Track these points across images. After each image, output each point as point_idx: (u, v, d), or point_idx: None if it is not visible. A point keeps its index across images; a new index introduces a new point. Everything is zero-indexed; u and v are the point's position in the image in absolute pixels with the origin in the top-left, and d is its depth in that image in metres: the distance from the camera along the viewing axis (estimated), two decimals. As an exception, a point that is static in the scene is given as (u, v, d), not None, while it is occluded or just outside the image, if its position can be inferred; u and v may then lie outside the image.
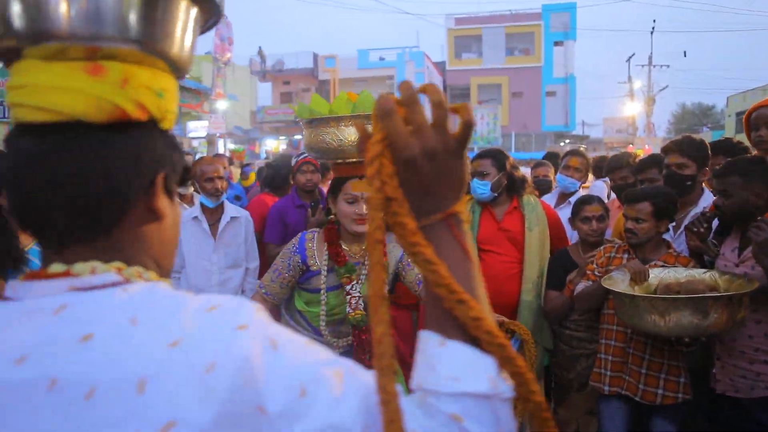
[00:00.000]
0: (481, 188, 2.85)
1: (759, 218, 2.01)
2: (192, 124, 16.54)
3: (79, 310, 0.58)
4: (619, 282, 2.27)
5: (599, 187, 4.84)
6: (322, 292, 2.20)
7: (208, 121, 16.21)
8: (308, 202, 3.60)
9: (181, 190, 3.94)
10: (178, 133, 15.93)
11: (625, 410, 2.42)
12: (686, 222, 2.74)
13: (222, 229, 3.24)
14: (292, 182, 3.86)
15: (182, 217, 3.33)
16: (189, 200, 4.05)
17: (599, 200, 2.92)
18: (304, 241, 2.25)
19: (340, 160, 2.15)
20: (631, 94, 29.59)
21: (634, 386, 2.34)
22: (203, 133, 16.80)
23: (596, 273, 2.52)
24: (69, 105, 0.59)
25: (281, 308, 2.36)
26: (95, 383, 0.53)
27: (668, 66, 29.71)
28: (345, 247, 2.22)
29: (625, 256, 2.52)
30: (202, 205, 3.27)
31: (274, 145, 28.84)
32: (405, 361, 3.14)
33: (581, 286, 2.55)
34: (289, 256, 2.22)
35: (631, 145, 20.77)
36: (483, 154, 2.99)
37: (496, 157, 2.91)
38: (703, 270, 2.28)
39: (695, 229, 2.33)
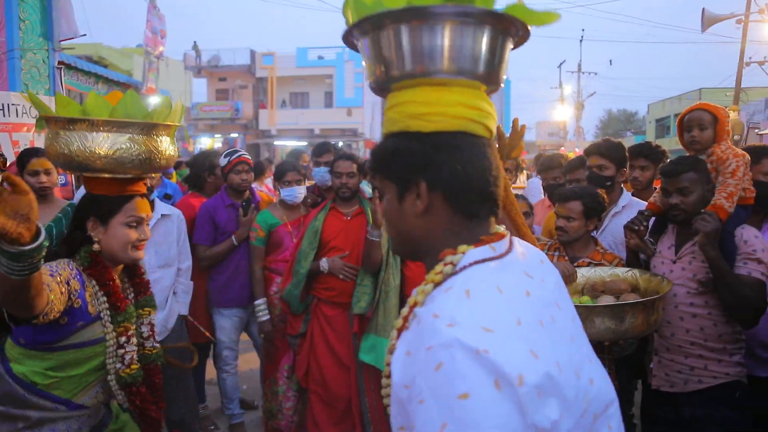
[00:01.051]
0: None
1: (702, 211, 2.11)
2: (120, 120, 15.77)
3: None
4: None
5: (535, 184, 5.01)
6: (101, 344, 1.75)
7: (138, 117, 15.47)
8: (239, 201, 3.50)
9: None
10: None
11: None
12: (607, 220, 2.88)
13: (152, 228, 3.09)
14: (210, 180, 3.74)
15: None
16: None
17: (522, 198, 3.04)
18: (81, 277, 1.73)
19: (90, 174, 1.72)
20: (562, 98, 30.87)
21: None
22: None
23: None
24: (459, 116, 0.92)
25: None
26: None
27: (596, 73, 31.23)
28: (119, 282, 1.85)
29: (556, 254, 2.61)
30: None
31: (208, 143, 28.02)
32: (342, 362, 3.13)
33: None
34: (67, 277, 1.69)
35: (562, 148, 21.66)
36: (348, 156, 3.21)
37: (355, 160, 3.19)
38: (626, 269, 2.37)
39: (636, 228, 2.39)
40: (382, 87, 1.00)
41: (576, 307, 2.00)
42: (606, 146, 2.91)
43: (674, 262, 2.27)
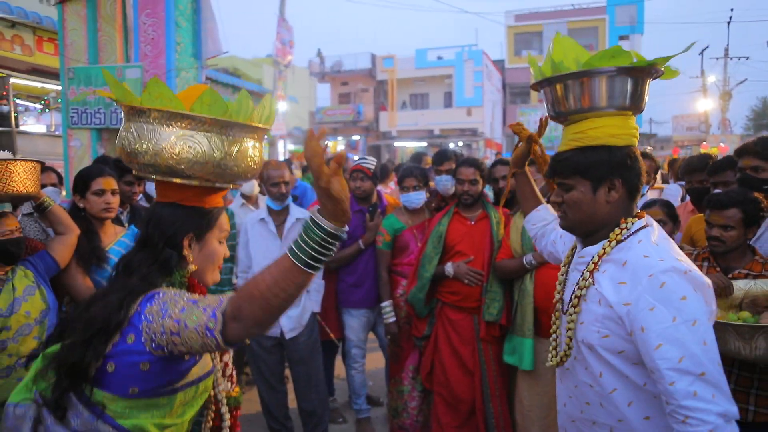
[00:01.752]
0: (416, 198, 3.24)
1: None
2: (254, 126, 17.06)
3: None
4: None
5: (674, 191, 4.64)
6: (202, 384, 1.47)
7: (270, 123, 16.65)
8: (366, 207, 3.65)
9: (246, 191, 4.09)
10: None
11: None
12: (764, 227, 2.60)
13: (288, 230, 3.35)
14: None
15: (249, 218, 3.47)
16: (254, 201, 4.19)
17: (663, 204, 2.82)
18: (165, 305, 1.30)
19: (187, 181, 1.39)
20: (704, 89, 28.03)
21: (743, 409, 2.12)
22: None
23: None
24: (634, 135, 1.54)
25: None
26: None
27: (747, 58, 27.88)
28: None
29: (705, 264, 2.40)
30: (268, 207, 3.39)
31: (331, 146, 29.29)
32: (466, 366, 3.15)
33: None
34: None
35: (704, 143, 19.70)
36: (469, 162, 3.28)
37: (478, 166, 3.24)
38: None
39: None
40: (563, 116, 1.61)
41: (736, 326, 1.84)
42: (762, 145, 2.64)
43: None
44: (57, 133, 10.22)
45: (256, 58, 29.84)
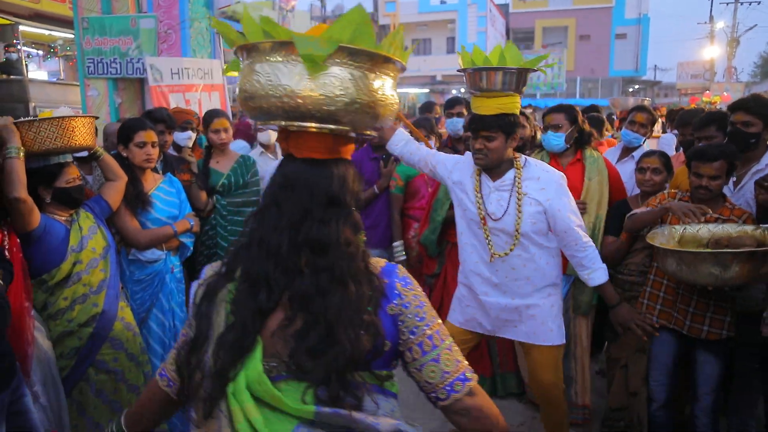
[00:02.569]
0: (556, 140, 3.10)
1: None
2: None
3: None
4: (659, 237, 2.51)
5: (668, 140, 4.86)
6: None
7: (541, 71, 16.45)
8: (381, 154, 3.89)
9: (263, 140, 4.31)
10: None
11: (673, 343, 2.65)
12: (747, 178, 2.85)
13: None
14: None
15: (271, 167, 3.70)
16: (272, 150, 4.42)
17: (660, 155, 3.07)
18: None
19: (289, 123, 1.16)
20: (711, 35, 27.57)
21: (681, 321, 2.57)
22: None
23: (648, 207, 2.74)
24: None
25: None
26: None
27: (759, 2, 27.25)
28: None
29: None
30: (288, 156, 3.64)
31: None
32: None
33: (639, 210, 2.75)
34: None
35: (707, 92, 19.63)
36: (556, 109, 3.19)
37: (569, 111, 3.14)
38: (754, 226, 2.42)
39: (766, 184, 2.43)
40: (484, 91, 2.40)
41: (685, 252, 2.31)
42: (754, 102, 2.81)
43: None
44: (64, 80, 10.27)
45: (255, 0, 29.14)
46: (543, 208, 2.44)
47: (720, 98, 15.25)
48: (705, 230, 2.50)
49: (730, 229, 2.46)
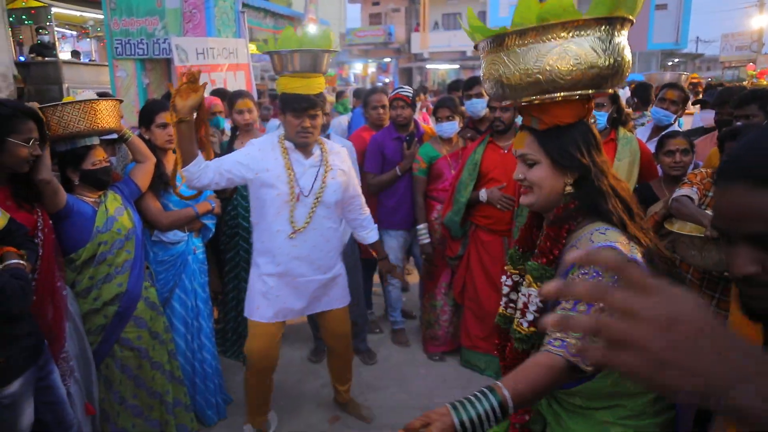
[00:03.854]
0: (600, 119, 3.00)
1: None
2: (285, 50, 16.88)
3: None
4: (677, 222, 2.45)
5: (705, 118, 4.64)
6: None
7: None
8: (404, 134, 3.84)
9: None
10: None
11: None
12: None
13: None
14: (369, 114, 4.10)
15: (337, 148, 3.72)
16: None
17: (684, 135, 2.94)
18: None
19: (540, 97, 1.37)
20: (761, 2, 26.17)
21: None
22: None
23: (692, 188, 2.49)
24: None
25: None
26: None
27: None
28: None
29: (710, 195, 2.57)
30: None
31: (362, 69, 28.85)
32: (495, 283, 3.44)
33: (680, 191, 2.49)
34: None
35: (750, 64, 18.70)
36: None
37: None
38: None
39: None
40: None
41: (691, 236, 2.18)
42: None
43: None
44: (96, 62, 10.44)
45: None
46: (346, 178, 2.71)
47: (766, 71, 14.50)
48: None
49: None
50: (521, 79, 1.33)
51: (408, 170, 3.79)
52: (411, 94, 3.90)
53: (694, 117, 4.47)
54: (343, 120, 5.75)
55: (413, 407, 3.27)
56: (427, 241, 3.70)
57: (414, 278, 4.79)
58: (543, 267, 1.44)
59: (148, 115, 2.86)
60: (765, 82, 7.60)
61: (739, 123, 2.87)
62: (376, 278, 4.47)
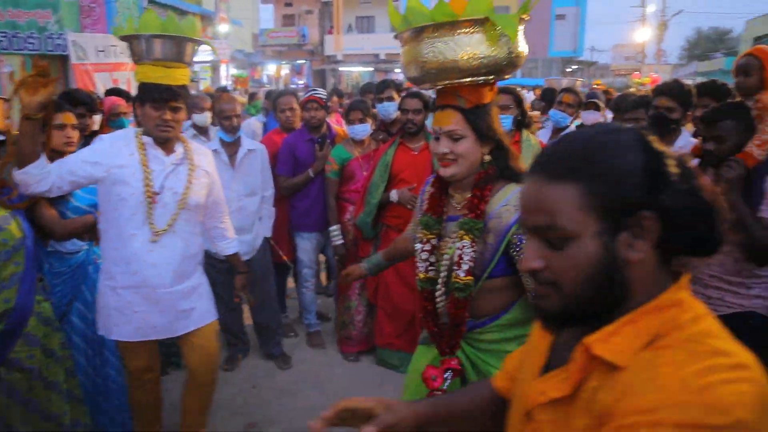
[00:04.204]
0: (504, 121, 3.11)
1: (731, 158, 2.21)
2: (194, 49, 16.27)
3: None
4: None
5: (591, 119, 5.00)
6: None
7: (211, 47, 15.93)
8: (316, 137, 3.85)
9: (199, 122, 4.17)
10: (180, 58, 15.71)
11: None
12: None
13: (240, 161, 3.53)
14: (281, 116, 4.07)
15: (203, 149, 3.61)
16: (206, 133, 4.29)
17: None
18: (427, 183, 1.91)
19: (440, 84, 1.66)
20: (643, 18, 28.63)
21: None
22: (206, 58, 16.60)
23: None
24: None
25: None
26: None
27: (685, -12, 28.46)
28: (452, 195, 1.79)
29: None
30: (220, 139, 3.54)
31: (275, 70, 28.38)
32: (407, 282, 3.52)
33: None
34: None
35: (636, 72, 20.41)
36: (504, 90, 3.20)
37: (515, 93, 3.17)
38: None
39: None
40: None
41: None
42: (677, 89, 2.91)
43: None
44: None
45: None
46: (209, 181, 2.53)
47: (649, 79, 15.91)
48: None
49: None
50: (440, 66, 1.57)
51: (320, 172, 3.80)
52: (325, 96, 3.93)
53: (582, 117, 4.80)
54: (253, 122, 5.64)
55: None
56: (341, 242, 3.73)
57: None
58: (473, 220, 1.66)
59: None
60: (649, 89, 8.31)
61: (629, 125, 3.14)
62: (289, 281, 4.43)
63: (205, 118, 4.10)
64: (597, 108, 4.32)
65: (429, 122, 3.76)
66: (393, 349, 3.68)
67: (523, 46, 1.63)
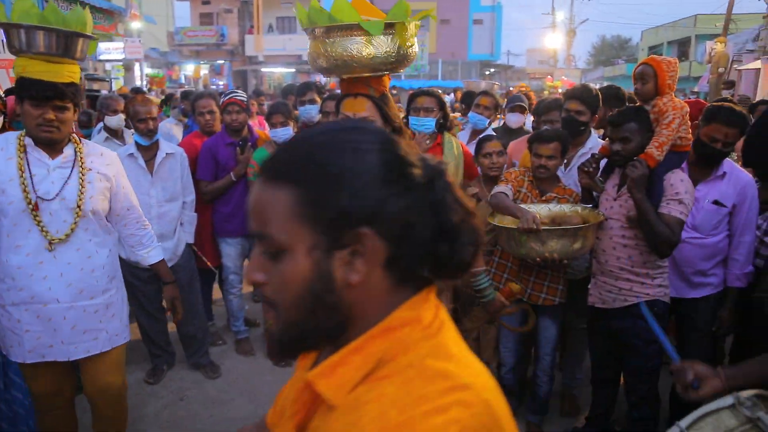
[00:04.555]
0: (428, 124, 3.17)
1: (635, 158, 2.41)
2: (104, 46, 15.40)
3: None
4: (498, 216, 2.74)
5: (514, 121, 5.21)
6: None
7: (123, 44, 15.15)
8: (237, 140, 3.76)
9: (112, 125, 3.95)
10: (89, 56, 14.85)
11: (519, 312, 2.91)
12: (575, 160, 3.18)
13: (158, 165, 3.37)
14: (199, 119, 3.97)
15: (119, 153, 3.42)
16: (120, 136, 4.08)
17: (498, 137, 3.32)
18: None
19: (346, 75, 1.93)
20: (553, 25, 30.24)
21: (523, 290, 2.83)
22: (118, 56, 15.75)
23: (507, 185, 2.85)
24: None
25: None
26: None
27: (590, -1, 30.34)
28: None
29: (527, 185, 2.92)
30: (136, 142, 3.37)
31: (193, 70, 27.41)
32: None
33: (498, 188, 2.86)
34: None
35: (549, 76, 21.54)
36: (428, 93, 3.25)
37: (438, 96, 3.24)
38: (583, 206, 2.73)
39: (586, 169, 2.71)
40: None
41: (512, 229, 2.51)
42: (586, 94, 3.09)
43: (615, 199, 2.58)
44: None
45: None
46: (110, 184, 2.34)
47: (561, 82, 16.82)
48: (545, 209, 2.76)
49: (565, 208, 2.74)
50: (341, 60, 1.83)
51: (243, 176, 3.72)
52: (245, 99, 3.84)
53: (507, 119, 4.97)
54: (167, 124, 5.40)
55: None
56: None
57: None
58: None
59: None
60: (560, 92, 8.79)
61: (546, 127, 3.32)
62: (215, 288, 4.30)
63: (117, 120, 3.90)
64: (522, 110, 4.52)
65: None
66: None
67: (413, 47, 1.93)
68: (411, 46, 1.90)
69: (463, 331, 3.39)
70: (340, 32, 1.80)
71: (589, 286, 2.76)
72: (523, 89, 7.33)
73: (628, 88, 3.74)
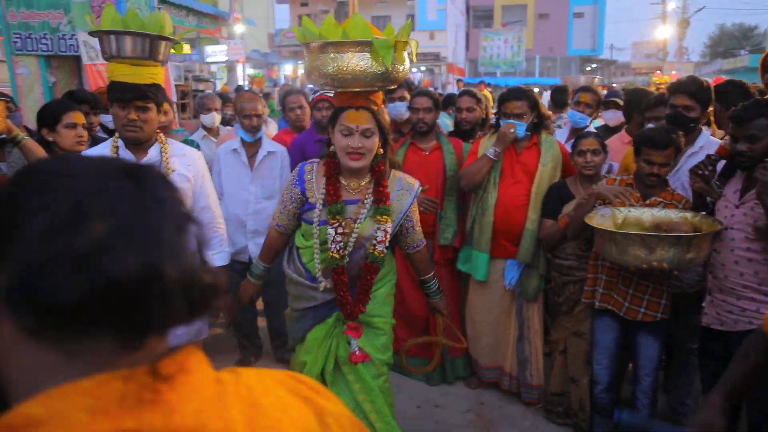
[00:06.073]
0: (519, 130, 3.01)
1: (765, 159, 2.07)
2: (210, 49, 16.40)
3: None
4: (597, 217, 2.49)
5: (611, 118, 4.84)
6: (314, 224, 2.19)
7: (226, 46, 16.01)
8: (325, 136, 3.75)
9: (207, 123, 4.11)
10: (196, 58, 15.81)
11: (615, 326, 2.67)
12: (683, 161, 2.84)
13: (259, 162, 3.44)
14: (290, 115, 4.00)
15: (222, 149, 3.51)
16: (215, 134, 4.24)
17: (596, 135, 3.05)
18: (303, 173, 2.26)
19: (340, 89, 2.09)
20: (663, 15, 28.14)
21: (620, 303, 2.58)
22: (222, 58, 16.66)
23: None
24: None
25: (284, 260, 2.42)
26: None
27: (708, -17, 27.93)
28: (344, 182, 2.18)
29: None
30: (241, 138, 3.46)
31: (292, 70, 28.44)
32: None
33: (548, 223, 2.78)
34: (290, 188, 2.28)
35: (658, 71, 20.05)
36: (518, 96, 3.08)
37: (530, 97, 3.06)
38: (693, 213, 2.41)
39: (700, 172, 2.37)
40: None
41: (615, 233, 2.27)
42: (696, 87, 2.75)
43: (737, 207, 2.26)
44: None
45: None
46: (191, 185, 2.40)
47: (669, 77, 15.59)
48: (648, 214, 2.49)
49: (671, 214, 2.45)
50: (351, 74, 2.01)
51: (332, 173, 3.72)
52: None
53: (603, 116, 4.63)
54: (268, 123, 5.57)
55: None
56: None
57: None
58: (386, 207, 2.18)
59: (52, 115, 2.66)
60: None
61: (650, 125, 3.00)
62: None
63: (211, 118, 4.04)
64: (617, 107, 4.16)
65: (441, 122, 3.68)
66: (408, 355, 3.57)
67: (405, 65, 2.15)
68: (403, 63, 2.11)
69: (550, 341, 3.17)
70: (352, 47, 2.00)
71: (703, 304, 2.45)
72: (596, 82, 6.76)
73: (753, 82, 3.34)
